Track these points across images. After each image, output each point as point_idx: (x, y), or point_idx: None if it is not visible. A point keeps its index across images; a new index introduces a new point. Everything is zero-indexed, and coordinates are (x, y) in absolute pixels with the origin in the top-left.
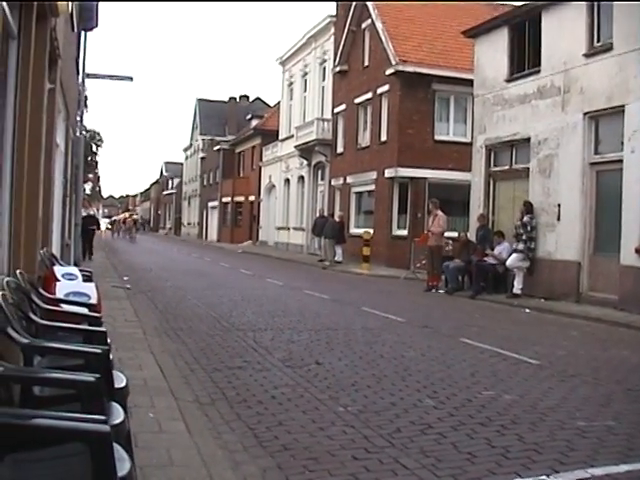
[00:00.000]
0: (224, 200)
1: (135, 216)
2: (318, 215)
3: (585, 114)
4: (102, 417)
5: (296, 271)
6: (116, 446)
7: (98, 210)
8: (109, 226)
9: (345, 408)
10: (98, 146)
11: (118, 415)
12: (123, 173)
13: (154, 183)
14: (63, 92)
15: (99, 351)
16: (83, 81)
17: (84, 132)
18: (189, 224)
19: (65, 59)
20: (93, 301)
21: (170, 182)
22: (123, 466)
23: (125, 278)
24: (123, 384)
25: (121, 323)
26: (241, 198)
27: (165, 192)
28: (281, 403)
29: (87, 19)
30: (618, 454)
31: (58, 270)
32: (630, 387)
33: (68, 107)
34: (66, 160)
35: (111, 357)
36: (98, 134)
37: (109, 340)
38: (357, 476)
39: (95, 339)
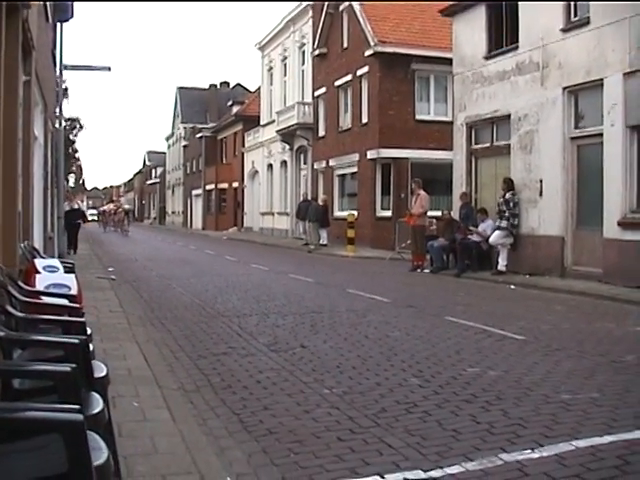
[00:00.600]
0: (208, 188)
1: (126, 206)
2: (302, 199)
3: (564, 89)
4: (76, 407)
5: (281, 256)
6: (93, 435)
7: (82, 202)
8: (97, 217)
9: (330, 390)
10: (79, 130)
11: (97, 405)
12: (106, 164)
13: (137, 173)
14: (39, 84)
15: (76, 341)
16: (61, 72)
17: (64, 122)
18: (173, 213)
19: (40, 50)
20: (73, 292)
21: (153, 171)
22: (100, 455)
23: (110, 269)
24: (103, 373)
25: (105, 314)
26: (225, 185)
27: (149, 182)
28: (266, 387)
29: (62, 10)
30: (602, 425)
31: (39, 263)
32: (614, 359)
33: (46, 99)
34: (46, 153)
35: (91, 347)
36: (78, 121)
37: (90, 330)
38: (342, 457)
39: (74, 330)
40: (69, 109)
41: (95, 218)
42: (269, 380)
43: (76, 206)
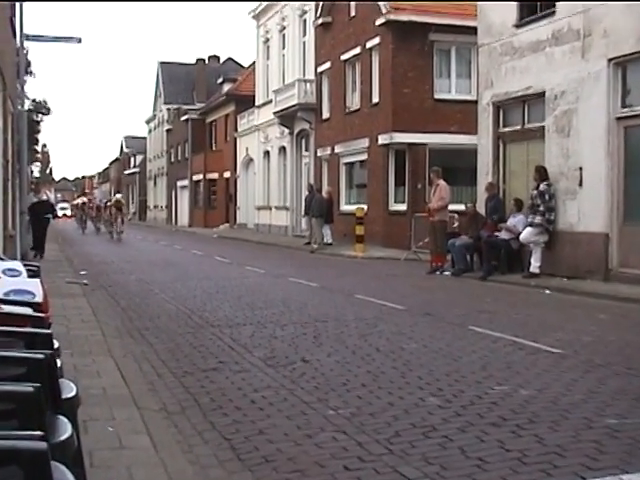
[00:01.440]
0: (195, 178)
1: (118, 195)
2: (308, 191)
3: (610, 60)
4: (39, 433)
5: (280, 256)
6: (59, 467)
7: (50, 194)
8: (70, 212)
9: (336, 411)
10: (44, 114)
11: (64, 430)
12: (77, 152)
13: (113, 161)
14: None
15: (41, 356)
16: (22, 44)
17: (27, 103)
18: (156, 207)
19: None
20: (38, 299)
21: (132, 160)
22: None
23: (82, 272)
24: (72, 394)
25: (76, 324)
26: (215, 175)
27: (127, 171)
28: (262, 408)
29: None
30: None
31: None
32: None
33: (4, 75)
34: (5, 138)
35: (59, 363)
36: (45, 103)
37: (57, 344)
38: None
39: (39, 343)
40: (34, 88)
41: (67, 213)
42: (265, 400)
43: (44, 197)
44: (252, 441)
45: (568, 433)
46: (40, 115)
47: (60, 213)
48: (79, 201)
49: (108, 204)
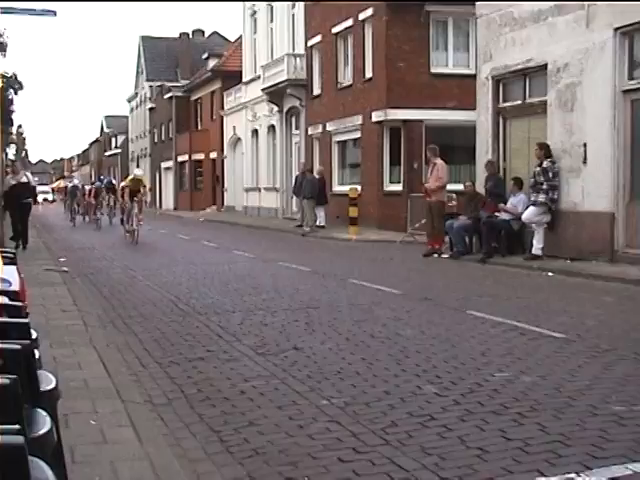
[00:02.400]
0: (180, 159)
1: (138, 172)
2: (300, 171)
3: (616, 30)
4: (15, 427)
5: (270, 240)
6: (38, 462)
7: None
8: (51, 197)
9: (329, 401)
10: (16, 90)
11: (43, 424)
12: (55, 132)
13: (93, 142)
14: None
15: (18, 347)
16: None
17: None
18: None
19: None
20: (15, 288)
21: (113, 140)
22: None
23: (62, 259)
24: (52, 386)
25: (56, 314)
26: (200, 156)
27: (108, 152)
28: (252, 399)
29: None
30: None
31: None
32: None
33: None
34: None
35: (37, 354)
36: (15, 77)
37: (36, 334)
38: None
39: (15, 333)
40: (5, 64)
41: (48, 198)
42: (256, 390)
43: (24, 179)
44: (242, 433)
45: (572, 421)
46: (12, 92)
47: (40, 198)
48: (67, 184)
49: (123, 185)
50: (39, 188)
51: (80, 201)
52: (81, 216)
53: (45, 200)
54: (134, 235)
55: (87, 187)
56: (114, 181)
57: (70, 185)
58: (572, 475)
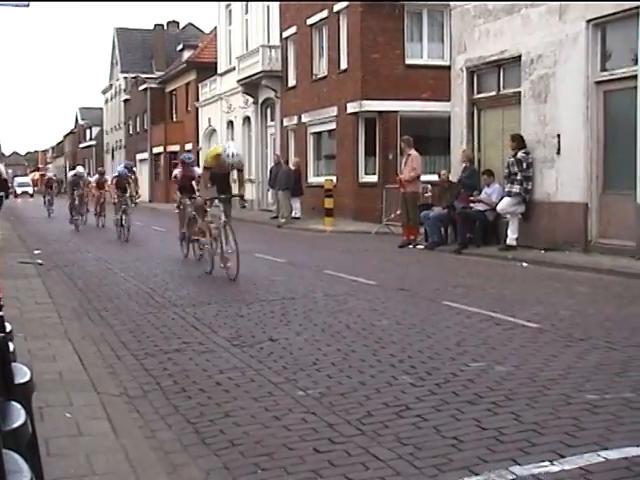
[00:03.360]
0: (155, 151)
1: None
2: (274, 162)
3: (588, 22)
4: None
5: (245, 231)
6: (12, 455)
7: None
8: (31, 190)
9: (305, 392)
10: None
11: (17, 417)
12: (29, 124)
13: (68, 134)
14: None
15: None
16: None
17: None
18: None
19: None
20: None
21: (88, 132)
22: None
23: (36, 252)
24: (26, 378)
25: (30, 306)
26: (176, 147)
27: (82, 144)
28: (228, 390)
29: None
30: (638, 432)
31: None
32: None
33: None
34: None
35: (11, 347)
36: None
37: (10, 327)
38: (319, 472)
39: None
40: None
41: (29, 191)
42: (231, 381)
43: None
44: (217, 424)
45: (546, 410)
46: None
47: (19, 191)
48: (75, 172)
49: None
50: (19, 180)
51: (82, 196)
52: (81, 216)
53: (25, 193)
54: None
55: (91, 178)
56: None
57: (71, 174)
58: (546, 463)
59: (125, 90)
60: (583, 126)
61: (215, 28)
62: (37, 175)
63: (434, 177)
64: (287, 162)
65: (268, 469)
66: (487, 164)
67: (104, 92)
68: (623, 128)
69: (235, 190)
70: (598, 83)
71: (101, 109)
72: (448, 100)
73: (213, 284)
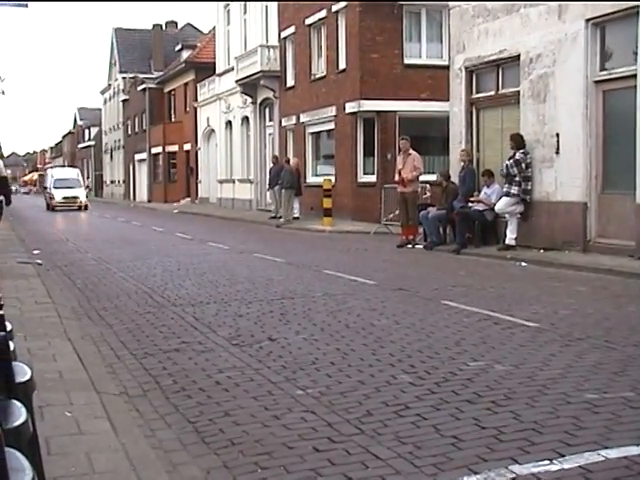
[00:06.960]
0: (154, 151)
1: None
2: (272, 162)
3: (588, 21)
4: None
5: (244, 232)
6: (14, 453)
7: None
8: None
9: (304, 391)
10: None
11: (19, 415)
12: (28, 125)
13: (67, 134)
14: None
15: None
16: None
17: None
18: (113, 182)
19: None
20: None
21: (87, 132)
22: (21, 478)
23: (35, 252)
24: (27, 377)
25: (30, 306)
26: (174, 147)
27: (81, 145)
28: (227, 389)
29: None
30: (638, 431)
31: None
32: None
33: None
34: None
35: (12, 346)
36: None
37: (10, 326)
38: (319, 471)
39: None
40: None
41: (78, 196)
42: (231, 381)
43: (3, 173)
44: (217, 423)
45: (546, 409)
46: None
47: (58, 195)
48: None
49: None
50: (57, 174)
51: None
52: None
53: (70, 200)
54: None
55: None
56: None
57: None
58: (546, 462)
59: (124, 90)
60: (582, 125)
61: (214, 28)
62: (35, 176)
63: (432, 177)
64: (288, 162)
65: (268, 468)
66: (486, 163)
67: (103, 92)
68: (622, 127)
69: None
70: (597, 82)
71: (100, 109)
72: (447, 100)
73: (212, 285)
